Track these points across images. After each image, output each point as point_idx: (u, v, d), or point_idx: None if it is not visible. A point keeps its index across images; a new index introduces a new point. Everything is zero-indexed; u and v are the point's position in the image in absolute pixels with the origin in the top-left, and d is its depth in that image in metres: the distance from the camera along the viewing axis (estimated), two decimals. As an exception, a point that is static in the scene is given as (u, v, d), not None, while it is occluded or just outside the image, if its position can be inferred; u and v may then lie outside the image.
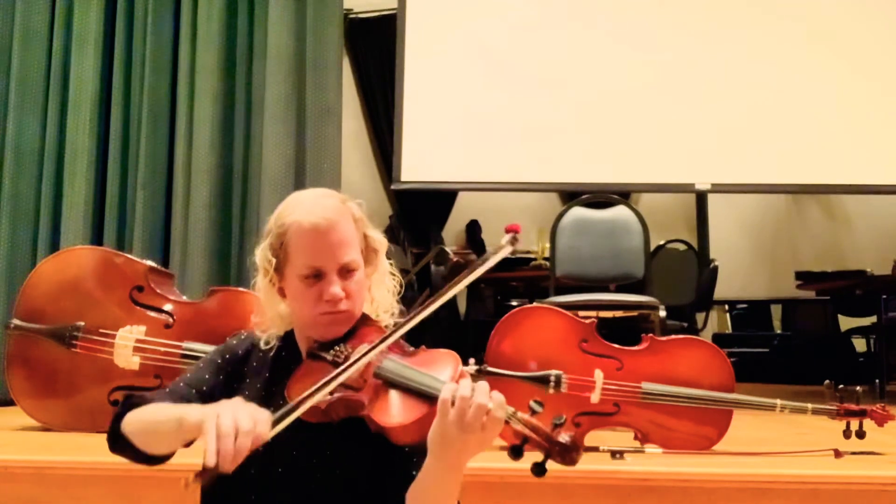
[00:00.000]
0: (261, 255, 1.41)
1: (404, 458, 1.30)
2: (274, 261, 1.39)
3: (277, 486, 1.36)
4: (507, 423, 1.17)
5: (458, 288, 1.30)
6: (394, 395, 1.27)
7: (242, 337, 1.50)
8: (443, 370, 1.29)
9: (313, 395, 1.25)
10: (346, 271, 1.37)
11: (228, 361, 1.46)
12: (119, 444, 1.38)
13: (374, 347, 1.29)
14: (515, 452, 1.15)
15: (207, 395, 1.42)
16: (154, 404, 1.38)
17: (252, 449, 1.17)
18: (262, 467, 1.36)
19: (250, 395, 1.42)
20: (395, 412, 1.25)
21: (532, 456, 1.15)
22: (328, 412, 1.28)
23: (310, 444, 1.35)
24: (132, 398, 1.42)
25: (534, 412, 1.17)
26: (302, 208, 1.38)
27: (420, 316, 1.29)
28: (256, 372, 1.44)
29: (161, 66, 3.96)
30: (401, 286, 1.50)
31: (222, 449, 1.14)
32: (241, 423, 1.16)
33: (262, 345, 1.45)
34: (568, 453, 1.14)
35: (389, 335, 1.31)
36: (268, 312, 1.44)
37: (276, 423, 1.22)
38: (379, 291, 1.48)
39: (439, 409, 1.18)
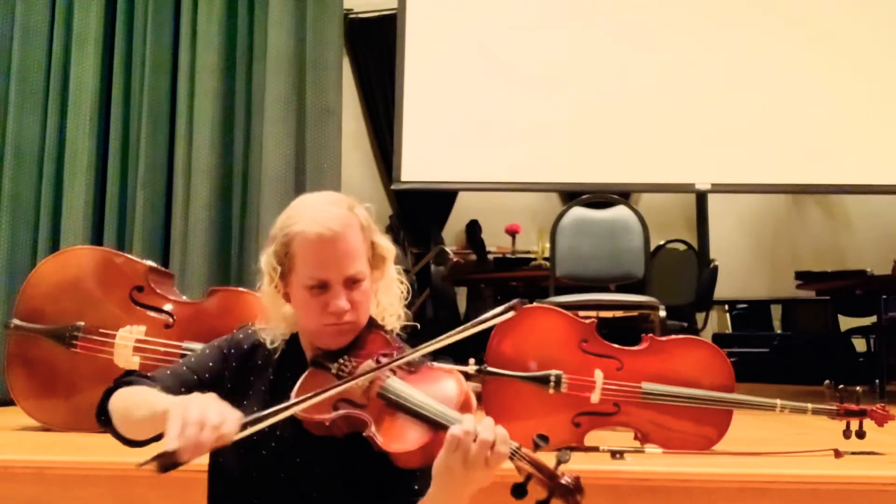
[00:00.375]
0: (266, 261, 1.39)
1: (406, 472, 1.29)
2: (279, 268, 1.37)
3: (279, 492, 1.36)
4: (511, 458, 1.17)
5: (477, 330, 1.31)
6: (398, 418, 1.26)
7: (249, 332, 1.48)
8: (447, 393, 1.29)
9: (297, 405, 1.24)
10: (351, 282, 1.35)
11: (235, 355, 1.45)
12: (104, 420, 1.37)
13: (378, 368, 1.29)
14: (519, 492, 1.15)
15: (209, 383, 1.41)
16: (139, 388, 1.36)
17: (214, 447, 1.14)
18: (265, 472, 1.36)
19: (255, 394, 1.41)
20: (398, 438, 1.24)
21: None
22: (331, 428, 1.27)
23: (313, 453, 1.35)
24: (126, 377, 1.40)
25: (538, 447, 1.16)
26: (308, 217, 1.36)
27: (432, 347, 1.29)
28: (261, 371, 1.44)
29: (161, 66, 3.96)
30: (408, 292, 1.49)
31: (185, 436, 1.11)
32: (209, 416, 1.14)
33: (267, 344, 1.44)
34: (571, 495, 1.14)
35: (396, 360, 1.30)
36: (272, 317, 1.43)
37: (246, 426, 1.19)
38: (386, 297, 1.46)
39: (446, 445, 1.17)
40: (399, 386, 1.30)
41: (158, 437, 1.32)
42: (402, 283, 1.48)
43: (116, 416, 1.34)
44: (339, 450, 1.33)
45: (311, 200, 1.42)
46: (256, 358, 1.45)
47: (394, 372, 1.32)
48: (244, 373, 1.44)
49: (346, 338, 1.37)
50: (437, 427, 1.21)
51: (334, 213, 1.36)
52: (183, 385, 1.39)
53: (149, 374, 1.42)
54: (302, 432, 1.30)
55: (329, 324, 1.35)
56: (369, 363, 1.32)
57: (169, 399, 1.22)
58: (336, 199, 1.41)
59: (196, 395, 1.20)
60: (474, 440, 1.15)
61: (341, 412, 1.27)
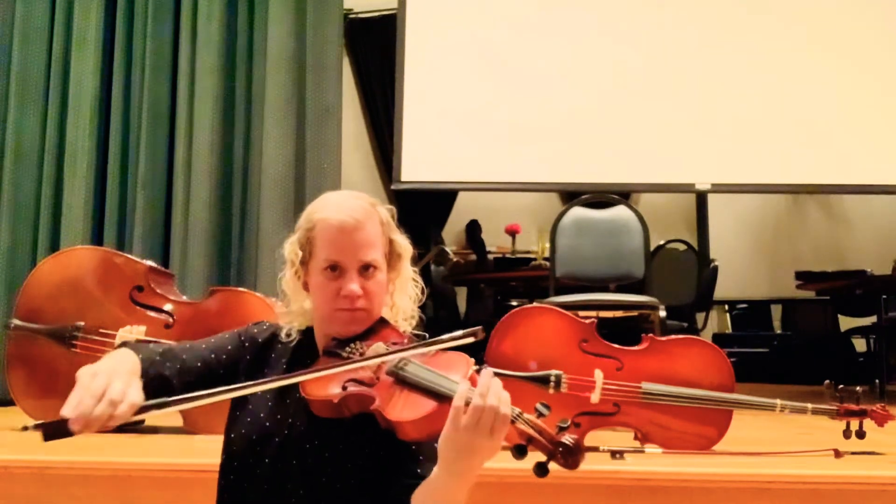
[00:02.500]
0: (289, 248, 1.46)
1: (410, 455, 1.32)
2: (300, 254, 1.44)
3: (290, 479, 1.38)
4: (512, 423, 1.18)
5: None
6: (406, 392, 1.29)
7: (265, 327, 1.53)
8: (455, 372, 1.31)
9: (224, 393, 1.28)
10: (366, 269, 1.41)
11: (250, 348, 1.49)
12: None
13: (388, 353, 1.33)
14: (519, 451, 1.16)
15: (225, 366, 1.46)
16: (122, 352, 1.40)
17: (104, 427, 1.18)
18: (276, 459, 1.39)
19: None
20: (406, 408, 1.27)
21: (534, 457, 1.16)
22: (340, 407, 1.30)
23: (323, 439, 1.37)
24: (135, 343, 1.47)
25: (540, 415, 1.19)
26: (331, 206, 1.44)
27: (447, 344, 1.32)
28: (276, 362, 1.47)
29: (161, 66, 3.96)
30: (422, 293, 1.53)
31: (81, 406, 1.18)
32: (111, 391, 1.19)
33: (283, 336, 1.49)
34: (571, 455, 1.16)
35: (408, 348, 1.33)
36: (293, 306, 1.48)
37: (144, 409, 1.22)
38: (400, 298, 1.51)
39: (452, 412, 1.18)
40: (408, 364, 1.33)
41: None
42: (416, 282, 1.53)
43: None
44: (347, 433, 1.36)
45: (336, 195, 1.50)
46: (271, 351, 1.49)
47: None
48: (259, 365, 1.48)
49: (359, 326, 1.42)
50: (442, 398, 1.24)
51: (357, 205, 1.44)
52: (200, 361, 1.44)
53: (165, 345, 1.47)
54: (313, 419, 1.33)
55: (342, 308, 1.40)
56: (380, 345, 1.37)
57: (97, 364, 1.27)
58: (358, 195, 1.49)
59: (111, 362, 1.26)
60: (477, 404, 1.17)
61: (350, 390, 1.30)
